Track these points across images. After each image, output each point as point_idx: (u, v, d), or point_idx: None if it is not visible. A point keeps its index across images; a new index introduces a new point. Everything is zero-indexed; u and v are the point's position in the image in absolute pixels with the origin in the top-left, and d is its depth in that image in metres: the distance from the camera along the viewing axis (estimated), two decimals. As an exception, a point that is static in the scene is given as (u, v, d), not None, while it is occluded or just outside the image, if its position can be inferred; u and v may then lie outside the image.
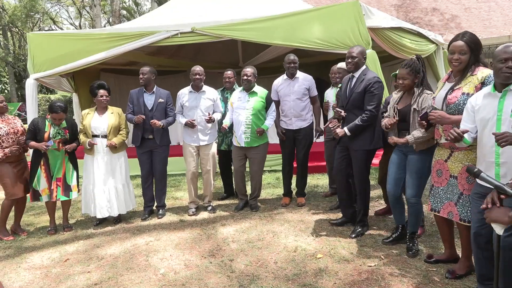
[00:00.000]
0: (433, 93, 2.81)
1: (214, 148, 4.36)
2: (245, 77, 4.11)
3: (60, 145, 3.81)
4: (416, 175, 2.89)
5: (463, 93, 2.44)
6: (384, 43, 5.47)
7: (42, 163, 3.81)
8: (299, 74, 4.30)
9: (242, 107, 4.14)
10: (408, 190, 2.95)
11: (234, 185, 4.49)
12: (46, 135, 3.77)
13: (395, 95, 3.12)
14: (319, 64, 8.64)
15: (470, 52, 2.43)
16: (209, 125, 4.24)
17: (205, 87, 4.31)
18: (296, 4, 6.87)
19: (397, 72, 3.34)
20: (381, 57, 5.43)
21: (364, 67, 3.45)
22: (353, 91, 3.39)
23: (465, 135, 2.20)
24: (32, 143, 3.74)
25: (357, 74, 3.43)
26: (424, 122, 2.59)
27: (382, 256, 3.00)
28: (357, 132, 3.34)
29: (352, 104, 3.40)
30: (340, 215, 3.88)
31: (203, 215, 4.29)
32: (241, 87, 4.27)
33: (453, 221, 2.61)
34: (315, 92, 4.36)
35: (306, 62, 8.87)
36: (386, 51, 5.81)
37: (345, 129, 3.35)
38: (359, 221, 3.56)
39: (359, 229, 3.49)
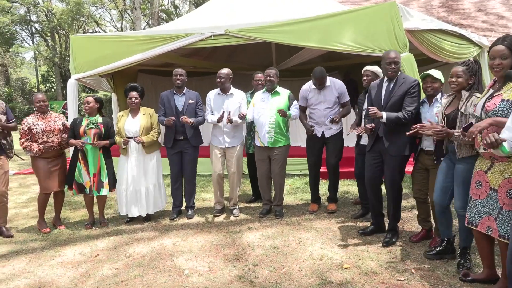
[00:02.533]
0: None
1: (240, 151, 4.35)
2: (268, 78, 4.11)
3: (95, 139, 3.97)
4: (463, 186, 2.68)
5: (502, 100, 2.25)
6: (422, 45, 5.25)
7: (80, 157, 4.00)
8: (329, 82, 4.17)
9: (265, 107, 4.12)
10: (456, 202, 2.75)
11: (260, 190, 4.43)
12: (81, 129, 3.97)
13: (444, 100, 2.96)
14: (353, 66, 8.44)
15: None
16: (233, 126, 4.23)
17: (233, 90, 4.32)
18: (331, 6, 6.76)
19: (427, 72, 3.19)
20: (419, 60, 5.21)
21: (399, 72, 3.36)
22: (392, 95, 3.28)
23: (505, 144, 2.01)
24: (71, 140, 3.96)
25: (394, 79, 3.32)
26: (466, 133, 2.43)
27: (413, 270, 2.86)
28: (391, 124, 3.21)
29: (391, 108, 3.27)
30: (367, 223, 3.76)
31: (230, 217, 4.29)
32: (264, 89, 4.26)
33: (494, 237, 2.43)
34: (346, 98, 4.21)
35: (340, 64, 8.71)
36: (424, 53, 5.56)
37: (384, 113, 3.19)
38: (390, 229, 3.44)
39: (391, 238, 3.38)
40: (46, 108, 4.02)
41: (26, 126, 3.87)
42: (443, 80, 3.20)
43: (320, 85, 4.13)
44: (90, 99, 4.07)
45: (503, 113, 2.23)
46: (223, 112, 4.12)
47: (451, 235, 3.04)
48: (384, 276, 2.79)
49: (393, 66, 3.26)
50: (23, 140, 3.88)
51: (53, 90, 26.68)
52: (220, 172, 4.33)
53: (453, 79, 2.78)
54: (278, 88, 4.19)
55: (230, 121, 4.13)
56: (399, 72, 3.35)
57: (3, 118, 3.91)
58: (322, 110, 4.16)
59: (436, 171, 3.10)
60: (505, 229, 2.30)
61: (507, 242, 2.28)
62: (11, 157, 4.00)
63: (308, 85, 4.28)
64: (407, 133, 3.03)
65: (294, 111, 4.18)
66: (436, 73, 3.18)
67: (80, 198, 4.86)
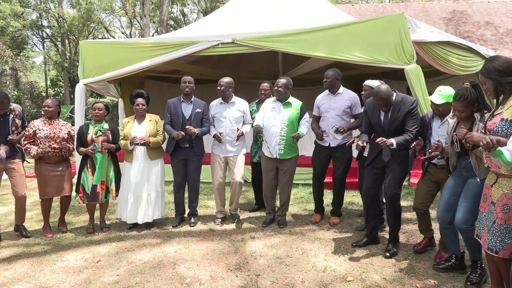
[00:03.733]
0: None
1: (242, 159, 4.33)
2: (276, 88, 4.06)
3: (103, 148, 3.97)
4: (473, 200, 2.63)
5: (502, 119, 2.24)
6: (429, 57, 5.24)
7: (88, 165, 4.01)
8: (342, 90, 4.13)
9: (276, 118, 4.05)
10: (459, 215, 2.69)
11: (264, 199, 4.39)
12: (89, 137, 3.97)
13: (451, 120, 2.92)
14: (361, 77, 8.43)
15: (492, 80, 2.31)
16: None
17: (235, 98, 4.32)
18: (338, 17, 6.79)
19: (430, 98, 3.14)
20: (426, 72, 5.20)
21: (394, 94, 3.30)
22: (394, 119, 3.26)
23: (506, 153, 2.00)
24: (81, 149, 3.97)
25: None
26: (468, 144, 2.42)
27: (418, 285, 2.81)
28: (401, 148, 3.21)
29: (395, 131, 3.27)
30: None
31: (232, 226, 4.26)
32: (274, 98, 4.19)
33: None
34: (358, 110, 4.12)
35: (348, 75, 8.70)
36: (432, 65, 5.55)
37: (393, 141, 3.15)
38: (391, 239, 3.42)
39: (392, 248, 3.38)
40: (50, 114, 3.98)
41: (32, 129, 3.89)
42: (451, 100, 3.15)
43: (330, 83, 4.06)
44: (101, 105, 4.07)
45: (502, 133, 2.21)
46: (220, 133, 4.16)
47: (459, 252, 2.99)
48: (388, 290, 2.75)
49: (383, 108, 3.27)
50: (26, 142, 3.89)
51: (61, 94, 26.95)
52: (222, 181, 4.32)
53: (456, 113, 2.75)
54: (291, 99, 4.12)
55: (241, 134, 4.16)
56: (395, 94, 3.30)
57: (19, 122, 3.98)
58: (330, 117, 4.09)
59: None
60: (494, 242, 2.29)
61: (495, 255, 2.29)
62: (24, 159, 4.05)
63: (323, 93, 4.24)
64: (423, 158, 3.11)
65: (304, 126, 4.08)
66: (438, 98, 3.08)
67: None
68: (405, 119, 3.23)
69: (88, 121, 4.17)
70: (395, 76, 6.99)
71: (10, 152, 3.80)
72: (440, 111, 3.14)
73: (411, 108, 3.22)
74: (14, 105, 3.97)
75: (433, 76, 7.22)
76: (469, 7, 13.30)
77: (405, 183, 5.82)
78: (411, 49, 4.82)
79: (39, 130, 3.90)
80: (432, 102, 3.15)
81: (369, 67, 6.04)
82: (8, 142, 3.81)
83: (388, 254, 3.31)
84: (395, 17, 4.91)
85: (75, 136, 4.15)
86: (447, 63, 5.40)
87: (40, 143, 3.89)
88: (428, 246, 3.44)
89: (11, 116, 3.87)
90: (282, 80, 4.07)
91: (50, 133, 3.92)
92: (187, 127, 4.06)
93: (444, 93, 3.07)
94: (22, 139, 3.95)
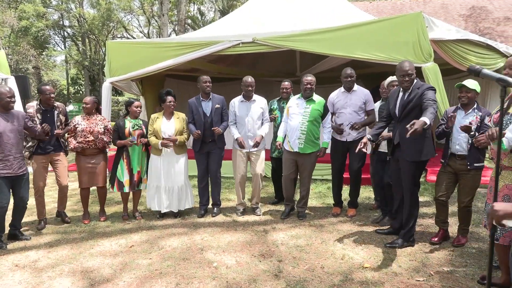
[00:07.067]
0: None
1: (263, 154, 4.55)
2: (308, 86, 4.17)
3: (139, 140, 4.31)
4: None
5: (507, 113, 2.41)
6: (447, 55, 5.32)
7: (124, 157, 4.34)
8: (356, 88, 4.36)
9: (299, 113, 4.21)
10: None
11: (283, 190, 4.58)
12: (126, 131, 4.32)
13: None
14: (378, 75, 8.51)
15: None
16: (258, 130, 4.46)
17: (255, 96, 4.53)
18: (357, 15, 6.90)
19: (461, 83, 3.28)
20: (444, 69, 5.28)
21: (417, 80, 3.38)
22: (408, 104, 3.31)
23: (504, 140, 2.18)
24: (120, 141, 4.31)
25: (409, 88, 3.37)
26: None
27: (432, 272, 2.97)
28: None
29: (407, 116, 3.30)
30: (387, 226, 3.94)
31: (254, 217, 4.48)
32: (299, 94, 4.36)
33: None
34: (371, 106, 4.34)
35: (365, 73, 8.81)
36: (449, 63, 5.63)
37: (425, 119, 2.87)
38: (403, 235, 3.49)
39: (399, 243, 3.47)
40: (88, 110, 4.32)
41: (73, 123, 4.27)
42: (478, 90, 3.27)
43: (352, 82, 4.27)
44: (140, 103, 4.44)
45: (506, 126, 2.36)
46: (243, 138, 4.39)
47: None
48: (404, 276, 2.91)
49: (407, 78, 3.29)
50: (68, 136, 4.30)
51: (81, 92, 27.74)
52: (244, 174, 4.54)
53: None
54: (314, 96, 4.28)
55: (259, 142, 4.40)
56: (415, 81, 3.35)
57: (63, 118, 4.32)
58: (347, 114, 4.31)
59: (467, 177, 3.19)
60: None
61: (495, 242, 2.47)
62: (67, 153, 4.39)
63: (337, 91, 4.45)
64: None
65: (328, 133, 4.29)
66: (470, 83, 3.24)
67: (112, 194, 5.17)
68: (419, 100, 3.20)
69: (123, 117, 4.49)
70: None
71: (55, 145, 4.21)
72: (470, 97, 3.22)
73: (422, 91, 3.20)
74: (58, 103, 4.31)
75: (451, 74, 7.26)
76: (489, 3, 13.12)
77: (422, 179, 5.95)
78: (428, 48, 4.92)
79: (78, 124, 4.25)
80: (461, 89, 3.26)
81: (385, 65, 6.13)
82: (54, 137, 4.17)
83: (389, 245, 3.47)
84: (413, 16, 5.01)
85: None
86: (465, 61, 5.46)
87: (78, 136, 4.24)
88: (444, 238, 3.57)
89: (56, 112, 4.22)
90: (311, 78, 4.20)
91: (86, 127, 4.24)
92: (214, 129, 4.31)
93: (472, 83, 3.23)
94: (66, 134, 4.31)
